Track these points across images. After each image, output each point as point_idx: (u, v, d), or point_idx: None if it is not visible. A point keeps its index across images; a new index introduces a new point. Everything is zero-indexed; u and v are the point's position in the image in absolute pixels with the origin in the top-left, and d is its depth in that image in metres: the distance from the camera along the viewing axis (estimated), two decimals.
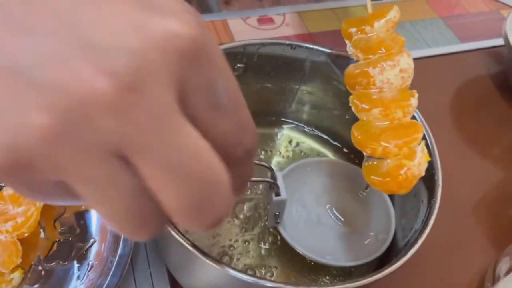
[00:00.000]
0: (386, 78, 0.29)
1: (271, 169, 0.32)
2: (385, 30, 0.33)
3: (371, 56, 0.31)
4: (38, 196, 0.15)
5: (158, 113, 0.13)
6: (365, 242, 0.36)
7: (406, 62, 0.30)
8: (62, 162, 0.13)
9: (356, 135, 0.29)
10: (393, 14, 0.33)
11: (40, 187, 0.15)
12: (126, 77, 0.13)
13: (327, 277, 0.35)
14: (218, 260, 0.25)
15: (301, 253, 0.33)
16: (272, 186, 0.33)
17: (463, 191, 0.44)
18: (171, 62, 0.14)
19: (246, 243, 0.36)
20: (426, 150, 0.28)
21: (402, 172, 0.26)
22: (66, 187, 0.14)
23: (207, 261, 0.25)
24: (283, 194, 0.32)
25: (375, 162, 0.28)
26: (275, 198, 0.32)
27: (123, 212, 0.14)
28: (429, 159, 0.28)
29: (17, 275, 0.33)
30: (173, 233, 0.26)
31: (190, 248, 0.25)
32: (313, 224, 0.36)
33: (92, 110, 0.13)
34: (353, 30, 0.33)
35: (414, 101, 0.30)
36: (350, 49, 0.34)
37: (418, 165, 0.27)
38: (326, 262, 0.33)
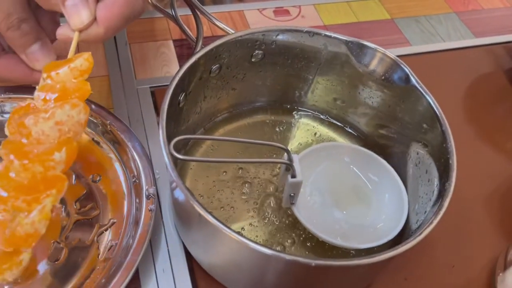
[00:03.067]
0: (42, 130, 0.28)
1: (287, 151, 0.33)
2: (71, 78, 0.31)
3: (49, 104, 0.30)
4: None
5: None
6: (378, 226, 0.36)
7: (65, 114, 0.29)
8: None
9: None
10: (79, 62, 0.31)
11: None
12: None
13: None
14: (239, 232, 0.26)
15: (314, 234, 0.34)
16: (288, 168, 0.33)
17: (476, 183, 0.44)
18: None
19: (260, 223, 0.37)
20: (48, 209, 0.28)
21: (7, 228, 0.26)
22: None
23: (228, 233, 0.26)
24: (299, 176, 0.33)
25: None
26: (290, 180, 0.33)
27: None
28: (48, 218, 0.27)
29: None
30: (196, 207, 0.27)
31: (211, 219, 0.26)
32: (327, 206, 0.37)
33: None
34: (44, 75, 0.31)
35: (58, 156, 0.28)
36: (35, 94, 0.31)
37: (31, 223, 0.27)
38: (338, 244, 0.34)
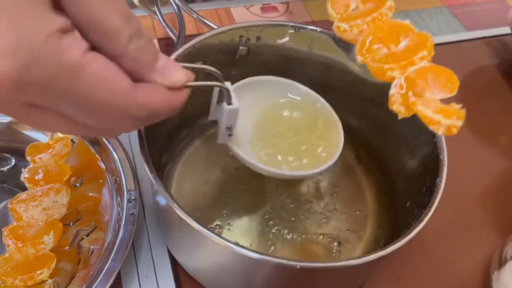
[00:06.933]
0: (31, 215, 0.33)
1: (218, 74, 0.27)
2: (52, 162, 0.36)
3: (36, 187, 0.35)
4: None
5: None
6: (318, 150, 0.33)
7: (51, 201, 0.33)
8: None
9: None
10: (59, 148, 0.36)
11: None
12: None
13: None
14: (225, 238, 0.25)
15: (258, 168, 0.31)
16: (223, 93, 0.28)
17: (469, 179, 0.43)
18: None
19: (251, 223, 0.36)
20: None
21: None
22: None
23: (211, 237, 0.25)
24: (235, 103, 0.28)
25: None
26: (227, 107, 0.28)
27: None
28: None
29: None
30: (178, 212, 0.26)
31: (193, 224, 0.25)
32: (266, 134, 0.34)
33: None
34: (29, 158, 0.36)
35: (47, 238, 0.33)
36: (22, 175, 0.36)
37: None
38: (287, 174, 0.31)
